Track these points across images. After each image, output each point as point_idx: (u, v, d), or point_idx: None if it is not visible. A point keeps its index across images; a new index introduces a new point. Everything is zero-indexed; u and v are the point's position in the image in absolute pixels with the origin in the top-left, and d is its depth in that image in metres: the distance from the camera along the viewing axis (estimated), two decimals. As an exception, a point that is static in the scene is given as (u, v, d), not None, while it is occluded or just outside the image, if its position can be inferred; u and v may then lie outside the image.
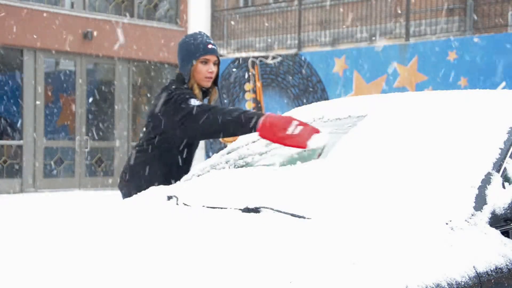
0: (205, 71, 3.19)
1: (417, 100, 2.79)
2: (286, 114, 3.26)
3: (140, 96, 13.85)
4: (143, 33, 13.38)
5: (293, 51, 13.10)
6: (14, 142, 12.01)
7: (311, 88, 12.19)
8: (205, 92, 3.28)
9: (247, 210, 2.12)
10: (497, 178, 2.08)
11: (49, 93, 12.52)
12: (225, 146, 3.24)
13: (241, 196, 2.26)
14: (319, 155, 2.96)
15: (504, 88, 9.73)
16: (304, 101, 12.08)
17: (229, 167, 2.91)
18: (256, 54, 13.44)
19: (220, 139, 3.21)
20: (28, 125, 11.97)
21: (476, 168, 2.10)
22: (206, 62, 3.19)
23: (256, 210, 2.10)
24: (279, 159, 2.88)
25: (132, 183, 3.25)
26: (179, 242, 1.80)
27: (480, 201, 1.99)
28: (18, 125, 12.07)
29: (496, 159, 2.14)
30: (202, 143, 13.04)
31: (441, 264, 1.70)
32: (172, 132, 3.09)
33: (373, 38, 12.66)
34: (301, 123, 2.71)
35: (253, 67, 12.93)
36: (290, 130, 2.69)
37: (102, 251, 1.78)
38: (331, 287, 1.50)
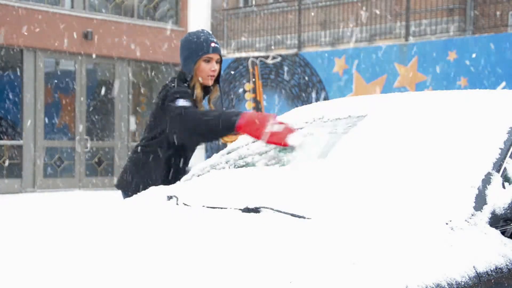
0: (208, 69, 3.19)
1: (417, 100, 2.79)
2: (286, 114, 3.27)
3: (140, 96, 13.86)
4: (143, 33, 13.38)
5: (293, 51, 13.10)
6: (14, 142, 12.01)
7: (311, 88, 12.19)
8: (206, 90, 3.29)
9: (247, 210, 2.12)
10: (497, 178, 2.08)
11: (49, 93, 12.52)
12: (225, 146, 3.24)
13: (241, 196, 2.26)
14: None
15: (504, 88, 9.72)
16: (304, 101, 12.08)
17: (229, 167, 2.91)
18: (256, 54, 13.44)
19: (220, 139, 3.21)
20: (28, 125, 11.97)
21: (476, 168, 2.10)
22: (209, 60, 3.20)
23: (256, 210, 2.10)
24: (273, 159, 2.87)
25: (132, 183, 3.25)
26: (179, 242, 1.80)
27: (480, 201, 1.99)
28: (18, 125, 12.07)
29: (496, 159, 2.14)
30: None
31: (441, 264, 1.70)
32: (166, 131, 3.11)
33: (373, 38, 12.66)
34: (279, 122, 2.79)
35: (253, 67, 12.93)
36: (269, 128, 2.78)
37: (102, 251, 1.78)
38: (331, 287, 1.50)
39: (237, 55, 13.87)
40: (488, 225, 1.95)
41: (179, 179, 3.11)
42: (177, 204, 2.43)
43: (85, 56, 12.67)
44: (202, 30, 3.31)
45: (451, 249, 1.78)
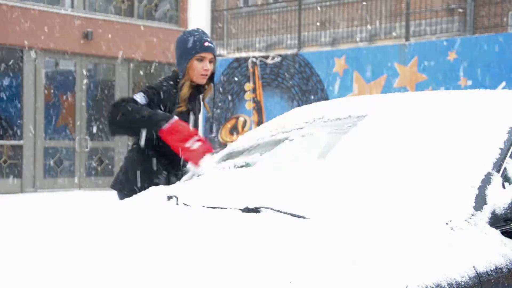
0: (200, 68, 3.22)
1: (417, 100, 2.79)
2: (286, 114, 3.26)
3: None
4: (143, 33, 13.38)
5: (293, 51, 13.10)
6: (14, 142, 12.01)
7: (311, 88, 12.19)
8: (199, 89, 3.31)
9: (247, 210, 2.12)
10: (497, 178, 2.08)
11: (49, 93, 12.52)
12: (225, 146, 3.24)
13: (241, 196, 2.26)
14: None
15: (504, 88, 9.72)
16: (304, 101, 12.08)
17: (229, 167, 2.91)
18: (256, 54, 13.44)
19: (220, 139, 3.22)
20: (28, 125, 11.97)
21: (476, 168, 2.10)
22: (201, 59, 3.22)
23: (256, 210, 2.10)
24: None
25: (125, 183, 3.25)
26: (179, 242, 1.80)
27: (480, 201, 1.99)
28: (18, 125, 12.07)
29: (496, 159, 2.14)
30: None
31: (441, 264, 1.70)
32: None
33: (373, 38, 12.66)
34: (200, 140, 2.98)
35: (253, 67, 12.93)
36: (188, 144, 2.95)
37: (102, 251, 1.78)
38: (331, 287, 1.50)
39: (237, 55, 13.87)
40: (488, 225, 1.95)
41: (174, 175, 3.14)
42: (177, 204, 2.43)
43: (85, 56, 12.67)
44: (197, 29, 3.33)
45: (451, 249, 1.78)
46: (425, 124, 2.46)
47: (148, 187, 3.09)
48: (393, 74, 11.14)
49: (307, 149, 2.79)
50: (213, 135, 12.06)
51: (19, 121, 12.06)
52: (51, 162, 12.42)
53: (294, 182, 2.31)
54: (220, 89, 13.10)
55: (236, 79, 13.18)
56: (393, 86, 11.05)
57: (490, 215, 1.98)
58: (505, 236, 1.97)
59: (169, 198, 2.52)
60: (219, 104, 13.05)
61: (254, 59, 12.97)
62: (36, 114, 12.07)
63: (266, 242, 1.74)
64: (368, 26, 13.09)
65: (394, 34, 12.66)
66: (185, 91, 3.22)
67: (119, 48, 12.94)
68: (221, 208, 2.24)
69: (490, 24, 12.02)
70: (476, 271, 1.75)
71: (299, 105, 11.58)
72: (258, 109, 12.80)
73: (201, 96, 3.39)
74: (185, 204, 2.40)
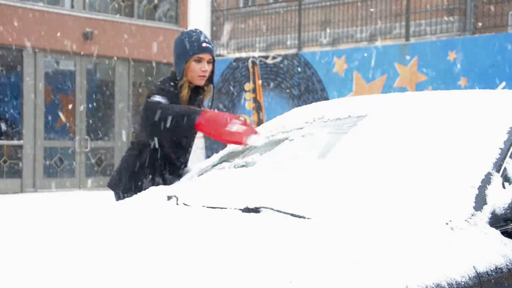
0: (198, 69, 3.18)
1: (417, 100, 2.79)
2: (286, 114, 3.26)
3: (140, 96, 13.85)
4: (143, 33, 13.38)
5: (293, 51, 13.10)
6: (14, 142, 12.01)
7: (311, 88, 12.19)
8: (198, 91, 3.28)
9: (247, 210, 2.12)
10: (497, 178, 2.08)
11: (49, 93, 12.52)
12: (225, 146, 3.24)
13: (241, 196, 2.26)
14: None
15: (504, 88, 9.72)
16: (304, 101, 12.08)
17: (229, 167, 2.91)
18: (256, 54, 13.44)
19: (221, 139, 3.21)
20: (28, 125, 11.97)
21: (476, 168, 2.10)
22: (199, 60, 3.18)
23: (256, 210, 2.10)
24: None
25: (121, 182, 3.25)
26: (179, 242, 1.80)
27: (480, 201, 1.99)
28: (18, 125, 12.07)
29: (496, 159, 2.14)
30: (202, 143, 13.04)
31: (441, 264, 1.70)
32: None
33: (373, 38, 12.66)
34: (241, 123, 2.86)
35: (253, 67, 12.93)
36: (229, 127, 2.83)
37: (102, 251, 1.78)
38: (331, 287, 1.50)
39: (237, 55, 13.87)
40: (488, 225, 1.95)
41: (174, 175, 3.13)
42: (177, 204, 2.43)
43: (85, 56, 12.67)
44: (195, 29, 3.28)
45: (451, 249, 1.78)
46: (425, 124, 2.46)
47: (140, 186, 3.10)
48: (393, 74, 11.14)
49: (307, 149, 2.79)
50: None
51: (19, 121, 12.06)
52: (51, 162, 12.42)
53: (294, 182, 2.31)
54: (222, 89, 13.10)
55: (236, 79, 13.18)
56: (393, 86, 11.05)
57: (490, 215, 1.98)
58: (505, 236, 1.97)
59: (169, 198, 2.52)
60: (219, 105, 13.05)
61: (254, 59, 12.97)
62: (36, 114, 12.07)
63: (266, 242, 1.74)
64: (368, 26, 13.08)
65: (394, 34, 12.66)
66: (184, 93, 3.20)
67: (119, 48, 12.94)
68: (221, 208, 2.24)
69: (490, 24, 12.02)
70: (476, 271, 1.75)
71: (299, 105, 11.58)
72: (258, 109, 12.80)
73: (201, 98, 3.37)
74: (185, 204, 2.40)
